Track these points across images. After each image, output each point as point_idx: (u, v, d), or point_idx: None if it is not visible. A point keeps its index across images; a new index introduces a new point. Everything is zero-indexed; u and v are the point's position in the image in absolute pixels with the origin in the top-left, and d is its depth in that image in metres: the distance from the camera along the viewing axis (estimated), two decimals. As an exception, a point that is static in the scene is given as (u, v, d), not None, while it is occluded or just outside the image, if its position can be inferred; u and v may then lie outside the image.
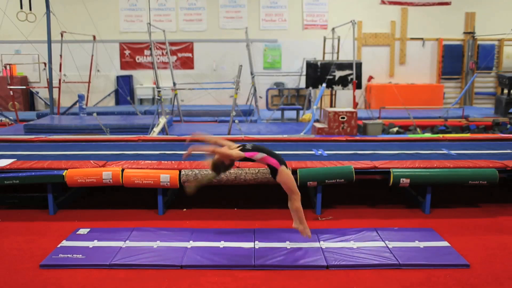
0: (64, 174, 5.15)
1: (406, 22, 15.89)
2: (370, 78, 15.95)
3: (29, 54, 13.96)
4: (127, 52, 15.86)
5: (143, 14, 15.52)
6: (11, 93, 12.56)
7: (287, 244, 4.26)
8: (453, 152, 6.31)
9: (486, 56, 15.75)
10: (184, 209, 5.49)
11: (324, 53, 13.68)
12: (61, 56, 12.96)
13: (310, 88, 11.94)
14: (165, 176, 5.13)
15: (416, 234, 4.52)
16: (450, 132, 9.68)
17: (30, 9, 11.28)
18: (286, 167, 4.24)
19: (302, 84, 13.33)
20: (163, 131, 9.10)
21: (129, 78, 15.77)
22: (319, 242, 4.32)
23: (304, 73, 12.37)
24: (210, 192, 6.06)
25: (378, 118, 10.45)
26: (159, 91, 9.97)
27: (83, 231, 4.63)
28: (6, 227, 4.93)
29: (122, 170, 5.20)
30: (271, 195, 6.06)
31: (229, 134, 8.84)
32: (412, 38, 16.02)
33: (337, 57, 13.34)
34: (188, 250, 4.13)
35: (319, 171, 5.20)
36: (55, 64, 12.49)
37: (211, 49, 15.81)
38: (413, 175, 5.21)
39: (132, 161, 5.54)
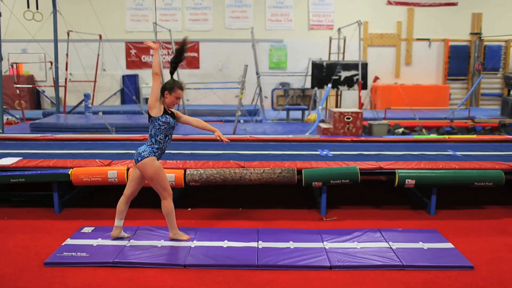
0: (69, 172, 5.17)
1: (412, 23, 15.83)
2: (376, 78, 15.91)
3: (36, 53, 14.04)
4: (133, 51, 15.92)
5: (149, 14, 15.58)
6: (18, 91, 12.65)
7: (291, 244, 4.26)
8: (458, 153, 6.29)
9: (493, 57, 15.67)
10: (189, 209, 5.50)
11: (329, 53, 13.65)
12: (67, 55, 13.03)
13: (316, 88, 11.92)
14: (170, 176, 5.13)
15: (420, 236, 4.50)
16: (456, 133, 9.65)
17: (37, 8, 11.33)
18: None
19: (308, 84, 13.32)
20: (168, 130, 9.10)
21: (134, 78, 15.82)
22: (323, 242, 4.31)
23: (310, 73, 12.36)
24: (215, 192, 6.07)
25: (384, 118, 10.42)
26: (164, 91, 9.96)
27: (87, 229, 4.66)
28: (11, 225, 4.96)
29: (127, 169, 5.22)
30: (275, 195, 6.07)
31: (234, 133, 8.85)
32: (418, 39, 15.97)
33: (343, 58, 13.31)
34: (192, 250, 4.14)
35: (324, 172, 5.20)
36: (61, 63, 12.56)
37: (217, 49, 15.83)
38: (419, 176, 5.20)
39: (137, 160, 5.54)
